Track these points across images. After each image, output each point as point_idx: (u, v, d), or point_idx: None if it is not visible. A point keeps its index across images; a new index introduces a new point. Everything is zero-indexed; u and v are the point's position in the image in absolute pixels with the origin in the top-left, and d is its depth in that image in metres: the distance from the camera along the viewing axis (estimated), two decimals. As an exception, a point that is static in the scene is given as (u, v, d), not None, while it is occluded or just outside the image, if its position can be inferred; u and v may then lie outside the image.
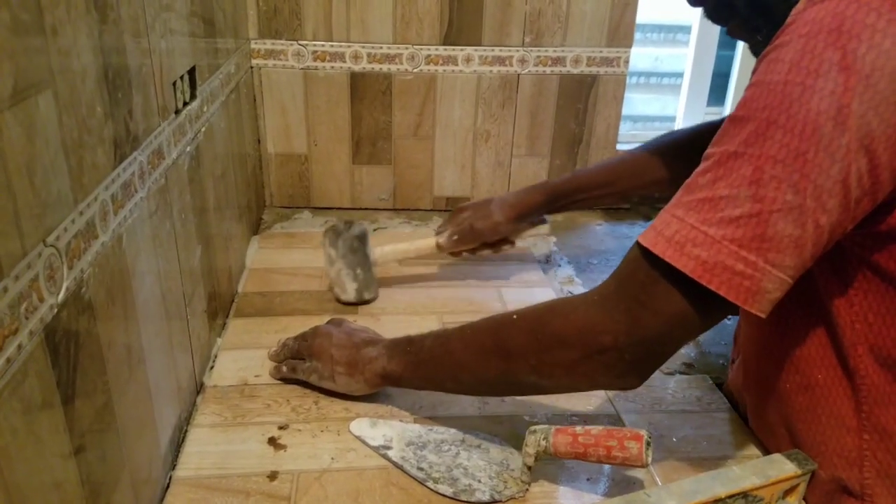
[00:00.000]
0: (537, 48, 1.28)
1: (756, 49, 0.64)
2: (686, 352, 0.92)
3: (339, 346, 0.75)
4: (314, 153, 1.32)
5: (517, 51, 1.28)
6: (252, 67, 1.23)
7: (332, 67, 1.26)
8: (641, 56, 1.55)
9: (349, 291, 0.97)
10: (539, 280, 1.10)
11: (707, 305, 0.53)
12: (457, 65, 1.28)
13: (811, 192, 0.49)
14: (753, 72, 0.53)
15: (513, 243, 1.05)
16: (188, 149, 0.78)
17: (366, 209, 1.35)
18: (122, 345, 0.55)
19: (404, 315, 0.97)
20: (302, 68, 1.25)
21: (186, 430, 0.72)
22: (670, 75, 2.80)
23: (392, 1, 1.22)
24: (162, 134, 0.68)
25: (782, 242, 0.50)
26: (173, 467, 0.67)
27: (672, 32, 2.73)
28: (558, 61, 1.30)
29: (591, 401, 0.78)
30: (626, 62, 1.31)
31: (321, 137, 1.30)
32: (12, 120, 0.38)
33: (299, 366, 0.78)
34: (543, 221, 1.05)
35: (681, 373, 0.87)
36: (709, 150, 0.54)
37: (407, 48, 1.25)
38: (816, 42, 0.48)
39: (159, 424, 0.64)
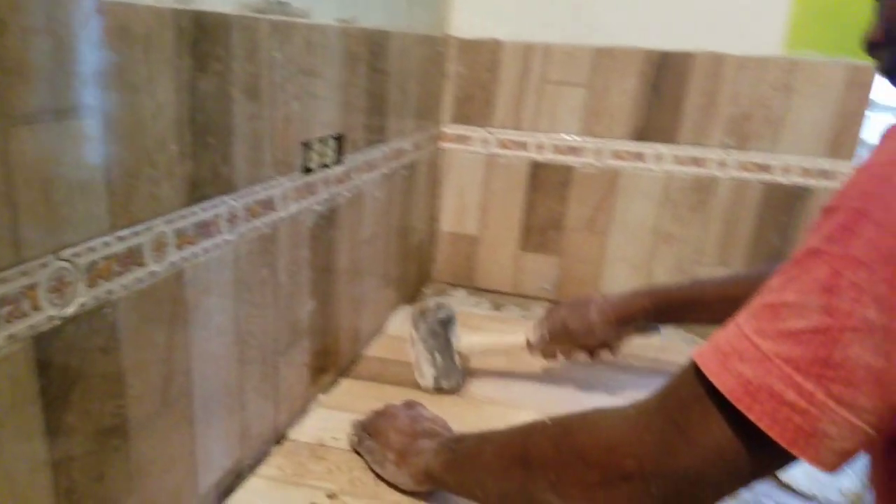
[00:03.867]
0: (740, 152, 1.14)
1: None
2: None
3: (398, 430, 0.70)
4: (484, 235, 1.31)
5: (716, 153, 1.15)
6: (439, 149, 1.28)
7: (515, 156, 1.25)
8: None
9: (426, 377, 0.92)
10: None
11: (752, 442, 0.39)
12: (644, 162, 1.19)
13: None
14: None
15: (614, 350, 0.91)
16: (317, 208, 0.81)
17: (526, 296, 1.30)
18: (158, 374, 0.56)
19: (510, 409, 0.88)
20: (486, 154, 1.27)
21: (246, 477, 0.72)
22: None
23: (584, 94, 1.19)
24: (276, 187, 0.71)
25: (855, 374, 0.36)
26: (211, 512, 0.66)
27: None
28: (765, 169, 1.14)
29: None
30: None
31: (493, 221, 1.29)
32: (27, 135, 0.41)
33: (364, 440, 0.74)
34: (656, 329, 0.90)
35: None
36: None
37: (593, 141, 1.20)
38: None
39: (200, 463, 0.64)
